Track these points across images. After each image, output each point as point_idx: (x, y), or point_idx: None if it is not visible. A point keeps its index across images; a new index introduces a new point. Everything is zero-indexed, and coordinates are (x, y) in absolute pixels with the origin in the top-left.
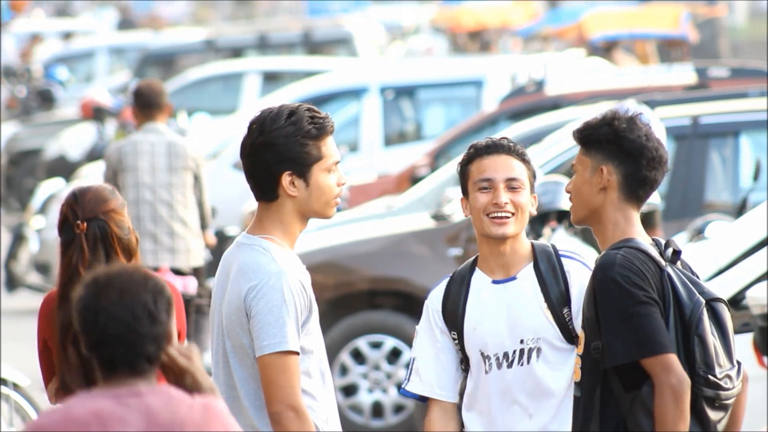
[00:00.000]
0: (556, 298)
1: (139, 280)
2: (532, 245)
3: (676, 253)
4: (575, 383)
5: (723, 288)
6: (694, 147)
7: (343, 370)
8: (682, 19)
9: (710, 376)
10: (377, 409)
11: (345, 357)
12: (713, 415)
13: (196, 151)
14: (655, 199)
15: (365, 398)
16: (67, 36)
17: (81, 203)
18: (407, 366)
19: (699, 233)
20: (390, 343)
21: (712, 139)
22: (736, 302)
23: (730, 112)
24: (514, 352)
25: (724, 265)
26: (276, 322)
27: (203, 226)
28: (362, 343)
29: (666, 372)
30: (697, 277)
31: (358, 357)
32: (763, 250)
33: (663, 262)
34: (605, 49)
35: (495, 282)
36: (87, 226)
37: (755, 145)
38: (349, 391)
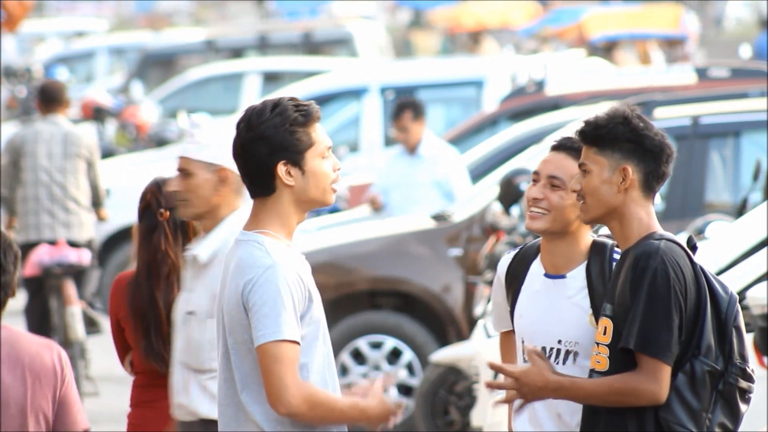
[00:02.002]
0: (601, 304)
1: None
2: (593, 243)
3: (694, 248)
4: (599, 372)
5: None
6: (694, 147)
7: (344, 370)
8: (682, 19)
9: (747, 368)
10: None
11: (345, 357)
12: (743, 407)
13: (90, 140)
14: (655, 199)
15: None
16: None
17: (164, 193)
18: (407, 366)
19: (699, 233)
20: (390, 343)
21: (713, 139)
22: None
23: (731, 112)
24: (551, 349)
25: (724, 265)
26: (271, 312)
27: (98, 204)
28: (362, 344)
29: (653, 377)
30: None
31: (359, 357)
32: (763, 250)
33: (692, 255)
34: (606, 49)
35: (547, 276)
36: (169, 214)
37: (755, 145)
38: None
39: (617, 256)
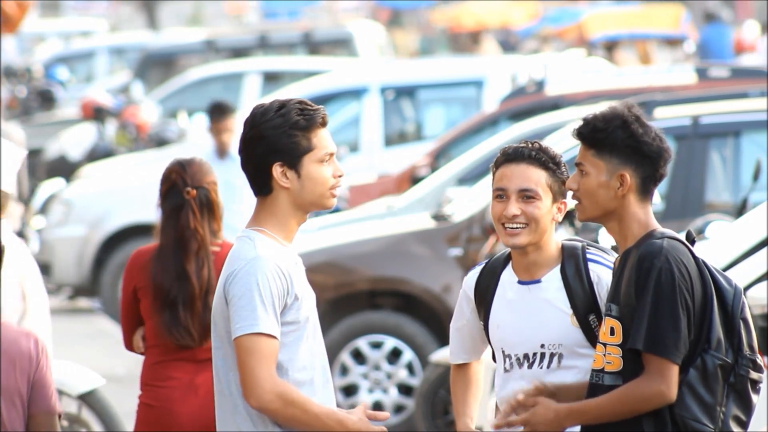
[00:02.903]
0: (582, 304)
1: None
2: (562, 246)
3: (693, 243)
4: (613, 373)
5: None
6: (694, 147)
7: (344, 370)
8: (682, 19)
9: (756, 359)
10: (377, 410)
11: (345, 357)
12: (754, 398)
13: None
14: (655, 199)
15: (365, 398)
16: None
17: (189, 173)
18: (408, 366)
19: (699, 233)
20: (390, 343)
21: (713, 139)
22: None
23: (731, 112)
24: (535, 354)
25: (724, 265)
26: (248, 305)
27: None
28: (362, 343)
29: (661, 377)
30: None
31: (359, 357)
32: (763, 250)
33: (694, 251)
34: (606, 49)
35: (521, 282)
36: (196, 192)
37: (755, 145)
38: (349, 391)
39: (591, 256)
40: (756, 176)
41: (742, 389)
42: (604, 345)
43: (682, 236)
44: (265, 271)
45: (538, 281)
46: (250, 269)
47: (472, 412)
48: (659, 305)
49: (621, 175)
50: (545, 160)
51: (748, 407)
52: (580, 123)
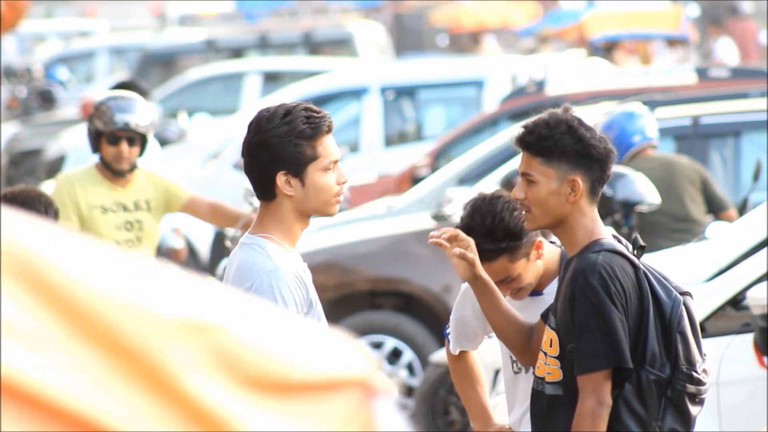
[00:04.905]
0: None
1: (35, 196)
2: (561, 255)
3: (642, 249)
4: (554, 383)
5: (723, 288)
6: (694, 147)
7: None
8: (682, 19)
9: (694, 373)
10: None
11: None
12: (694, 410)
13: None
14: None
15: None
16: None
17: None
18: (408, 366)
19: (699, 233)
20: (390, 343)
21: (713, 139)
22: (736, 302)
23: (731, 112)
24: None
25: (724, 265)
26: None
27: None
28: (362, 344)
29: (591, 391)
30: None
31: None
32: (763, 250)
33: (636, 261)
34: (606, 49)
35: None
36: None
37: (755, 145)
38: None
39: None
40: (756, 176)
41: (680, 403)
42: (545, 354)
43: (626, 246)
44: (287, 283)
45: (541, 293)
46: (273, 281)
47: (489, 411)
48: (590, 326)
49: (572, 181)
50: (504, 239)
51: (686, 420)
52: (522, 131)
